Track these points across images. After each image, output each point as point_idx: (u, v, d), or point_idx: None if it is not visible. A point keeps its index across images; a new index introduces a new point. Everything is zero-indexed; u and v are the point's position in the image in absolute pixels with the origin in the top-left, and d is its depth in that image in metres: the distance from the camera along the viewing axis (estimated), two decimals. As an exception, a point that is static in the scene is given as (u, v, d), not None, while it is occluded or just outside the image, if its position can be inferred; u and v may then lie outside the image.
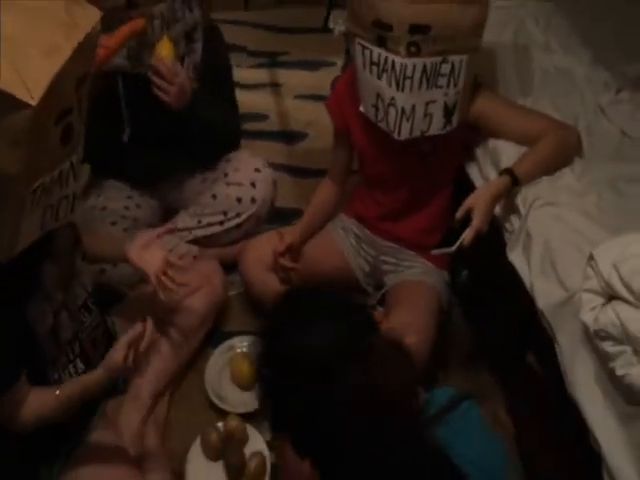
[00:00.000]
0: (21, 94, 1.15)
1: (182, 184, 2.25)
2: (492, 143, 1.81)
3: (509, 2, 2.19)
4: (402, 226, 2.01)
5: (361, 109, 1.82)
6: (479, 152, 1.86)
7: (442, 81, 1.70)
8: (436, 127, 1.76)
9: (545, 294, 1.52)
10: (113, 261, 1.96)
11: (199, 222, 2.19)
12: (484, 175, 1.83)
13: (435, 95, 1.71)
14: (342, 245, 2.10)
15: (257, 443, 1.78)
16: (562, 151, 1.72)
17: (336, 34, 3.13)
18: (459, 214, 1.64)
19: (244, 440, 1.79)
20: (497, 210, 1.73)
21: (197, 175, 2.24)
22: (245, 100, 2.45)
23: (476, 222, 1.62)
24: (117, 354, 1.51)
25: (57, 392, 1.51)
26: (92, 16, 1.36)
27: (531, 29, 2.11)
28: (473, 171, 1.88)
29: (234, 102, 2.23)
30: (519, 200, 1.68)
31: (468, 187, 1.83)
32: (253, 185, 2.18)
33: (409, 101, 1.71)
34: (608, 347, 1.29)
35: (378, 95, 1.73)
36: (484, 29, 1.69)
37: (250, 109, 2.70)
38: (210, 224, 2.19)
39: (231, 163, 2.22)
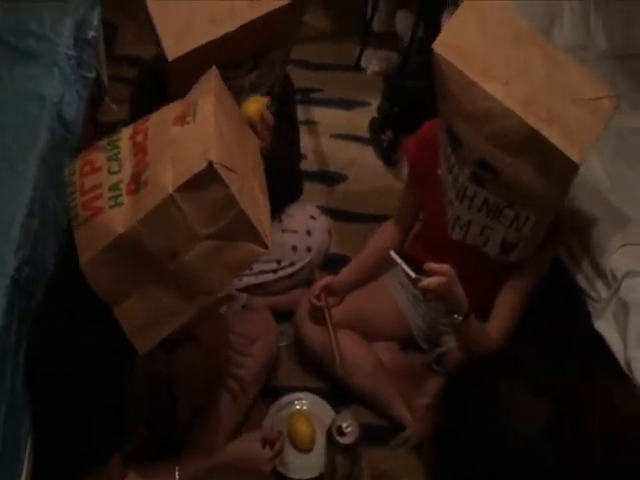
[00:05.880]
0: (263, 239, 1.19)
1: None
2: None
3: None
4: None
5: (439, 172, 1.69)
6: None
7: (504, 220, 1.56)
8: (491, 251, 1.64)
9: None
10: None
11: (250, 269, 2.09)
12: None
13: (494, 225, 1.59)
14: (399, 300, 2.00)
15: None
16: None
17: (369, 74, 3.09)
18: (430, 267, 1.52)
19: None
20: (579, 277, 1.69)
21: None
22: (283, 138, 2.38)
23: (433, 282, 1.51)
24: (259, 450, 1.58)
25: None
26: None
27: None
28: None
29: (299, 150, 2.18)
30: (608, 267, 1.62)
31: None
32: (309, 233, 2.12)
33: (465, 215, 1.61)
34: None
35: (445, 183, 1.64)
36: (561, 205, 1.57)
37: (287, 147, 2.63)
38: (263, 272, 2.09)
39: (284, 209, 2.15)
